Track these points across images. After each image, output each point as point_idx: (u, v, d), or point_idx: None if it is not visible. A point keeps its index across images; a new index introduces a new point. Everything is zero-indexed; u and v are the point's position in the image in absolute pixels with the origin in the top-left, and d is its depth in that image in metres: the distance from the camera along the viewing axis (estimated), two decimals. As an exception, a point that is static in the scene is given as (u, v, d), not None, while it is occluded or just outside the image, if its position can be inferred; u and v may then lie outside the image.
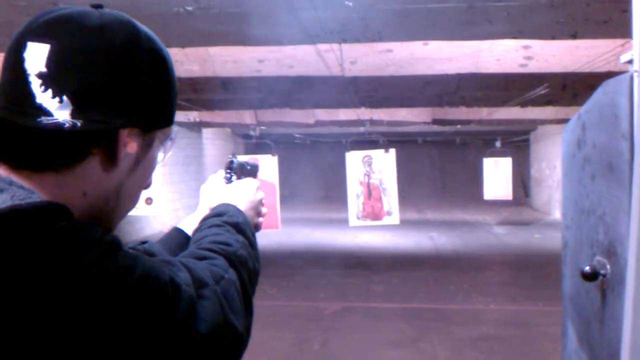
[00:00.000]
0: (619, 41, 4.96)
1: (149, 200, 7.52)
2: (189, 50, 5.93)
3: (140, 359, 0.76)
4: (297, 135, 18.16)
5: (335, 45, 5.02)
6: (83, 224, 0.79)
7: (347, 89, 7.41)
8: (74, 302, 0.71)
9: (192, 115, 11.51)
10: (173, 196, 12.11)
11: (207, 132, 15.85)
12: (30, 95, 0.80)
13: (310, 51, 5.27)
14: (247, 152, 18.27)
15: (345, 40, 4.43)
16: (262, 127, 12.61)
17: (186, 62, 6.22)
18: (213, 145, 16.55)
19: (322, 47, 4.99)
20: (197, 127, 14.15)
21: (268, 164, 7.78)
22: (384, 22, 4.00)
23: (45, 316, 0.70)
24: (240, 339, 0.92)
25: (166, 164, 10.96)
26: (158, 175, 7.56)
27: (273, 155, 7.98)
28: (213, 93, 7.80)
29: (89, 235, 0.77)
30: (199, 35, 4.29)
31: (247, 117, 11.66)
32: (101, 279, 0.73)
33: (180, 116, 11.47)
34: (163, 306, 0.78)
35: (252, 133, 11.67)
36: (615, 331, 1.71)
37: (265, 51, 5.88)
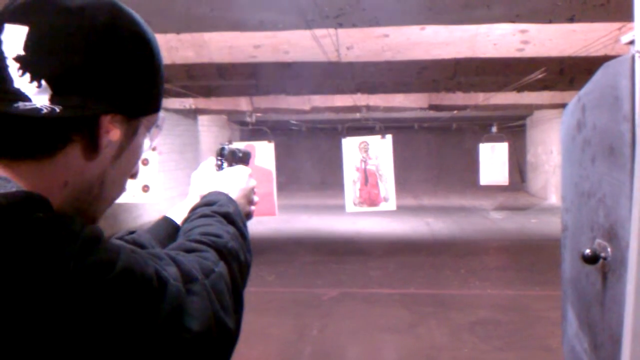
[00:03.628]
0: (616, 25, 4.94)
1: (145, 188, 7.49)
2: (184, 36, 5.90)
3: (126, 358, 0.73)
4: (293, 122, 18.13)
5: (331, 31, 5.00)
6: (61, 216, 0.74)
7: (343, 75, 7.39)
8: (51, 299, 0.67)
9: (188, 102, 11.47)
10: (170, 184, 12.11)
11: (203, 119, 15.80)
12: (7, 80, 0.76)
13: (306, 36, 5.25)
14: (243, 139, 18.22)
15: (341, 25, 4.40)
16: (258, 114, 12.58)
17: (181, 48, 6.19)
18: (209, 132, 16.51)
19: (318, 32, 4.96)
20: (192, 114, 14.11)
21: (264, 151, 7.76)
22: (381, 6, 3.98)
23: (20, 315, 0.67)
24: (230, 335, 0.89)
25: (162, 152, 10.94)
26: (154, 162, 7.54)
27: (269, 142, 7.95)
28: (208, 79, 7.77)
29: (67, 228, 0.72)
30: (194, 20, 4.26)
31: (243, 103, 11.63)
32: (79, 274, 0.69)
33: (175, 103, 11.43)
34: (147, 301, 0.75)
35: (248, 120, 11.65)
36: (616, 314, 1.70)
37: (261, 37, 5.85)
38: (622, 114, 1.67)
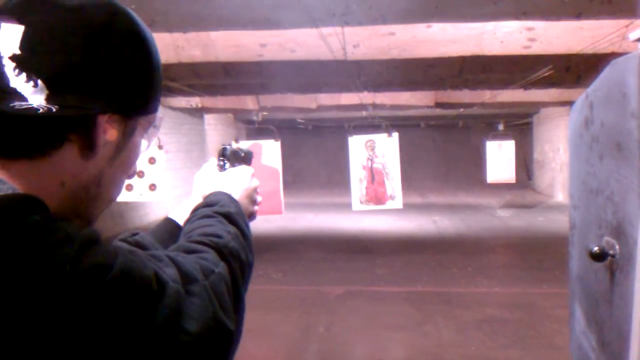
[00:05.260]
0: (623, 22, 4.92)
1: (152, 187, 7.51)
2: (191, 35, 5.91)
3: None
4: (299, 120, 18.14)
5: (338, 29, 4.99)
6: (58, 218, 0.74)
7: (349, 73, 7.38)
8: (47, 303, 0.67)
9: (194, 101, 11.49)
10: (176, 182, 12.13)
11: (209, 118, 15.82)
12: (3, 79, 0.76)
13: (312, 35, 5.25)
14: (249, 138, 18.24)
15: (348, 23, 4.40)
16: (265, 113, 12.58)
17: (188, 47, 6.20)
18: (215, 130, 16.52)
19: (325, 30, 4.95)
20: (199, 112, 14.13)
21: (271, 149, 7.77)
22: (387, 4, 3.97)
23: (16, 319, 0.66)
24: (230, 336, 0.89)
25: (169, 151, 10.95)
26: (161, 161, 7.56)
27: (276, 140, 7.96)
28: (215, 78, 7.78)
29: (63, 231, 0.72)
30: (200, 19, 4.26)
31: (249, 102, 11.64)
32: (76, 278, 0.69)
33: (182, 102, 11.46)
34: (145, 303, 0.74)
35: (254, 118, 11.67)
36: (624, 311, 1.70)
37: (267, 35, 5.86)
38: (629, 111, 1.66)
